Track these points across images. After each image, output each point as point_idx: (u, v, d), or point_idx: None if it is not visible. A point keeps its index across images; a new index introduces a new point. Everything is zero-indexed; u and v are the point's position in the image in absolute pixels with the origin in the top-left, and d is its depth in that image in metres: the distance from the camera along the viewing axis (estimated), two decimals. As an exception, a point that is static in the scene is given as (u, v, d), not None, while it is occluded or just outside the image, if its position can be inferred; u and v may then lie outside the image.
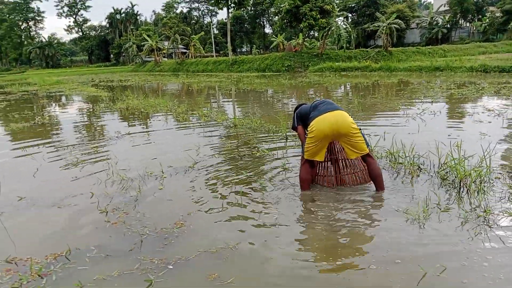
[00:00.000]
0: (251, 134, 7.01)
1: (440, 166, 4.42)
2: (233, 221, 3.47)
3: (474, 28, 53.18)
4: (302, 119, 4.15)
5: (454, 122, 7.30)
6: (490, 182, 3.92)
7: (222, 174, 4.81)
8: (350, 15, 55.92)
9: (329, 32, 27.47)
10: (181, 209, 3.77)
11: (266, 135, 6.90)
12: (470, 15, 52.84)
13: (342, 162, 4.24)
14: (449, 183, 4.02)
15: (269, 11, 67.34)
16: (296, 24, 27.91)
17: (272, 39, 50.76)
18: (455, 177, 4.07)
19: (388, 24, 28.29)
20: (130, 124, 9.22)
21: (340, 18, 31.04)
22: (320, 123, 3.75)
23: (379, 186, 3.91)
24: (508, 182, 3.93)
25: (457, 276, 2.49)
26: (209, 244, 3.05)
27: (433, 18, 50.52)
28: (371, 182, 4.07)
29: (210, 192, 4.22)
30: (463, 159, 4.21)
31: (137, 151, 6.24)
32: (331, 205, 3.68)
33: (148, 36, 47.32)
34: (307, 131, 3.90)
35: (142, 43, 48.76)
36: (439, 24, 49.95)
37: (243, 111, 10.27)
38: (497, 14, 47.76)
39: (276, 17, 55.73)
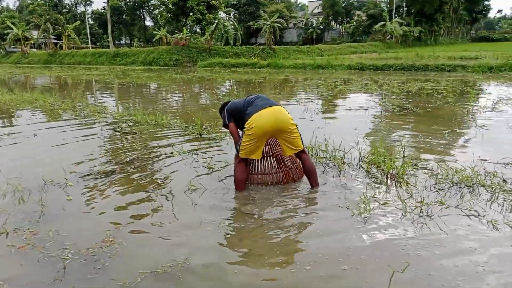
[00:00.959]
0: (159, 131, 6.50)
1: (361, 159, 4.55)
2: (172, 232, 3.06)
3: (344, 30, 58.28)
4: (234, 115, 3.87)
5: (360, 116, 7.71)
6: (410, 173, 4.12)
7: (142, 176, 4.31)
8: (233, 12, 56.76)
9: (216, 28, 27.37)
10: (105, 223, 3.21)
11: (178, 131, 6.45)
12: (340, 18, 57.70)
13: (273, 159, 4.07)
14: (374, 175, 4.13)
15: (149, 3, 64.91)
16: (183, 17, 27.24)
17: (154, 32, 49.02)
18: (380, 169, 4.22)
19: (271, 22, 29.27)
20: (6, 123, 7.90)
21: (225, 14, 31.24)
22: (259, 120, 3.52)
23: (314, 182, 3.84)
24: (426, 171, 4.16)
25: (423, 269, 2.48)
26: (153, 263, 2.61)
27: (308, 19, 53.91)
28: (302, 179, 4.01)
29: (136, 198, 3.71)
30: (384, 153, 4.39)
31: (28, 155, 5.29)
32: (273, 206, 3.48)
33: (13, 24, 41.89)
34: (244, 128, 3.63)
35: (5, 32, 42.94)
36: (313, 25, 53.48)
37: (143, 106, 9.55)
38: (363, 18, 52.99)
39: (157, 10, 54.11)
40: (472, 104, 7.89)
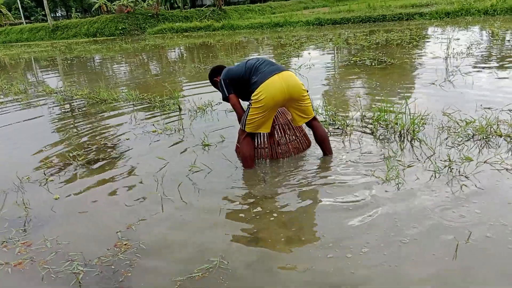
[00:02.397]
0: (130, 108, 5.94)
1: (363, 119, 4.29)
2: (193, 226, 2.68)
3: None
4: (234, 85, 3.42)
5: (335, 73, 7.42)
6: (420, 129, 3.90)
7: (129, 160, 3.86)
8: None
9: (162, -9, 25.81)
10: (109, 223, 2.79)
11: (153, 107, 5.92)
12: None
13: (280, 129, 3.70)
14: (384, 136, 3.89)
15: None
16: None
17: (92, 0, 45.82)
18: (389, 128, 3.99)
19: (220, -19, 28.03)
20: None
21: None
22: (269, 89, 3.11)
23: (328, 150, 3.53)
24: (434, 125, 3.96)
25: (482, 233, 2.27)
26: (185, 267, 2.24)
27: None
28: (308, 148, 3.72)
29: (133, 189, 3.28)
30: (388, 110, 4.14)
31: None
32: (290, 183, 3.16)
33: None
34: (251, 99, 3.22)
35: None
36: (260, -18, 51.92)
37: (106, 82, 8.78)
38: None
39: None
40: (448, 53, 7.80)
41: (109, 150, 4.27)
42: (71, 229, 2.76)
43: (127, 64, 12.09)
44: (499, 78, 5.71)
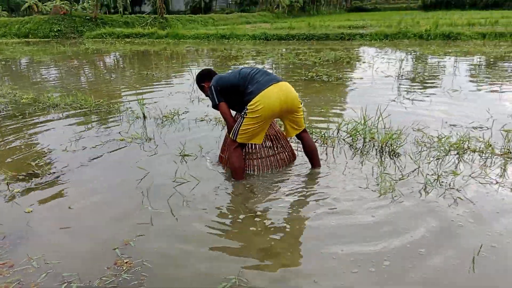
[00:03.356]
0: (94, 114, 5.56)
1: (338, 131, 4.37)
2: (193, 241, 2.51)
3: (231, -1, 57.68)
4: (225, 93, 3.29)
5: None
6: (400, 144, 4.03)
7: (116, 172, 3.58)
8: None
9: (102, -6, 24.80)
10: (104, 239, 2.53)
11: (114, 114, 5.58)
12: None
13: (268, 140, 3.63)
14: (363, 150, 3.97)
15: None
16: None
17: (20, 0, 42.88)
18: (368, 141, 4.08)
19: (162, -11, 27.50)
20: None
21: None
22: (267, 99, 3.04)
23: (317, 162, 3.53)
24: (410, 142, 4.11)
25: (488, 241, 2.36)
26: (201, 284, 2.08)
27: (195, -13, 52.13)
28: (292, 161, 3.69)
29: (122, 201, 3.04)
30: (365, 122, 4.24)
31: None
32: (282, 197, 3.09)
33: None
34: (247, 109, 3.11)
35: None
36: (201, -6, 51.91)
37: (54, 86, 8.13)
38: (249, -13, 52.92)
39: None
40: (400, 72, 8.22)
41: (76, 158, 3.93)
42: (57, 246, 2.47)
43: (70, 68, 11.37)
44: (450, 98, 6.09)
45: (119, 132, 4.73)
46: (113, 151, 4.11)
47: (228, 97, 3.30)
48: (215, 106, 3.33)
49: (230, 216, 2.80)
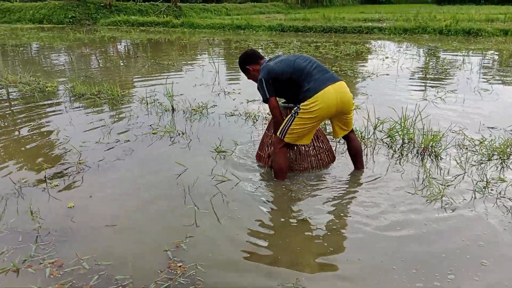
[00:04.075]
0: (118, 105, 5.50)
1: (374, 131, 4.26)
2: (242, 240, 2.45)
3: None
4: (275, 85, 3.08)
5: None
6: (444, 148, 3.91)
7: (153, 167, 3.52)
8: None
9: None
10: (152, 240, 2.48)
11: (143, 109, 5.52)
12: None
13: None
14: (403, 151, 3.88)
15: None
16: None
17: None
18: (408, 143, 3.99)
19: (177, -23, 27.31)
20: None
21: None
22: (326, 99, 2.90)
23: (360, 164, 3.44)
24: (450, 144, 4.00)
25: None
26: (262, 292, 2.02)
27: (208, -24, 51.70)
28: (332, 163, 3.59)
29: (165, 199, 2.98)
30: (406, 123, 4.13)
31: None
32: (329, 199, 3.02)
33: None
34: (299, 108, 2.97)
35: None
36: (214, -18, 51.49)
37: (86, 75, 8.08)
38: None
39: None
40: (427, 69, 8.06)
41: (111, 151, 3.88)
42: (104, 245, 2.42)
43: (92, 56, 11.32)
44: (482, 98, 5.94)
45: (151, 125, 4.68)
46: (148, 145, 4.05)
47: (278, 88, 3.12)
48: (266, 101, 3.14)
49: (278, 219, 2.73)
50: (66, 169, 3.49)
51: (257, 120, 4.86)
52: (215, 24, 19.51)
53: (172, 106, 5.33)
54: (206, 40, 15.60)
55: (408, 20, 18.05)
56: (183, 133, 4.40)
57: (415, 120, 4.18)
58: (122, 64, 9.95)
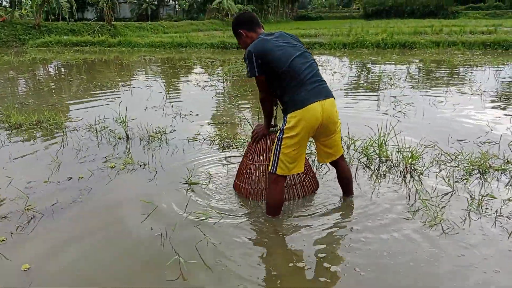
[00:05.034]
0: (62, 134, 4.91)
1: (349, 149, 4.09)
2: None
3: (179, 6, 56.71)
4: (265, 68, 2.64)
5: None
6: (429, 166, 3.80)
7: (119, 208, 3.06)
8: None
9: (46, 1, 23.18)
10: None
11: (91, 137, 4.97)
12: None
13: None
14: (383, 171, 3.73)
15: None
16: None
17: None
18: (383, 162, 3.84)
19: (110, -5, 26.43)
20: None
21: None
22: (309, 116, 2.59)
23: (350, 191, 3.20)
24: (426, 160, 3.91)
25: None
26: None
27: (141, -6, 50.82)
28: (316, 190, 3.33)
29: (140, 247, 2.54)
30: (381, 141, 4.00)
31: None
32: (324, 232, 2.75)
33: None
34: (282, 131, 2.66)
35: None
36: (147, 0, 50.68)
37: (9, 102, 7.24)
38: (198, -5, 52.36)
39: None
40: (379, 84, 8.16)
41: (64, 191, 3.36)
42: None
43: (25, 80, 10.37)
44: (441, 107, 6.04)
45: (105, 157, 4.18)
46: (107, 182, 3.57)
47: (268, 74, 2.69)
48: (251, 76, 2.70)
49: (279, 263, 2.41)
50: (12, 218, 2.93)
51: (223, 145, 4.52)
52: (155, 43, 18.95)
53: (126, 133, 4.85)
54: (148, 59, 15.01)
55: (341, 34, 18.65)
56: (144, 164, 3.95)
57: (387, 137, 4.05)
58: (59, 87, 9.17)
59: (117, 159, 4.12)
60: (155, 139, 4.78)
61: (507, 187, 3.31)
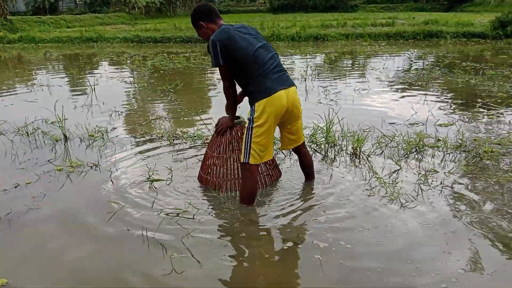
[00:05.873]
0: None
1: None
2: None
3: (79, -1, 53.27)
4: (229, 57, 2.68)
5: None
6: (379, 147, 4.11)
7: (78, 211, 2.89)
8: None
9: None
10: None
11: (25, 140, 4.57)
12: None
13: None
14: (331, 155, 3.98)
15: None
16: None
17: None
18: (333, 146, 4.10)
19: (1, -14, 23.94)
20: None
21: None
22: (275, 104, 2.69)
23: (312, 175, 3.38)
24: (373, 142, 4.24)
25: None
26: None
27: (36, -14, 46.80)
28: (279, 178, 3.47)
29: (127, 244, 2.46)
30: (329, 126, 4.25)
31: None
32: (302, 214, 2.90)
33: None
34: (252, 120, 2.72)
35: None
36: (44, -8, 46.86)
37: None
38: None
39: None
40: (306, 73, 8.49)
41: (15, 199, 3.10)
42: None
43: None
44: (366, 94, 6.51)
45: (48, 160, 3.90)
46: (59, 187, 3.34)
47: (228, 63, 2.73)
48: (216, 66, 2.73)
49: (269, 248, 2.49)
50: (-38, 233, 2.65)
51: (173, 140, 4.45)
52: (61, 38, 17.66)
53: (64, 134, 4.54)
54: (57, 56, 13.96)
55: (258, 28, 19.04)
56: (96, 165, 3.77)
57: (330, 123, 4.30)
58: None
59: (61, 162, 3.86)
60: (97, 138, 4.55)
61: (442, 162, 3.72)
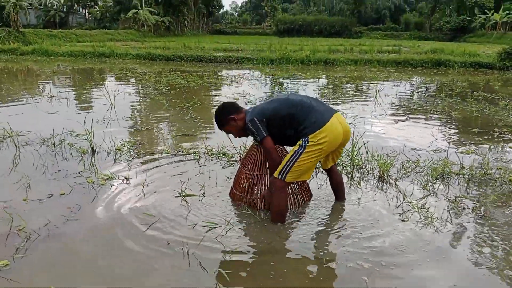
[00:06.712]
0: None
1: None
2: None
3: (89, 14, 54.12)
4: (270, 125, 2.90)
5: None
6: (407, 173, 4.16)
7: (119, 222, 2.92)
8: None
9: None
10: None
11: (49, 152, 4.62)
12: (84, 1, 53.17)
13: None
14: (360, 178, 4.02)
15: None
16: None
17: None
18: (360, 170, 4.14)
19: (17, 0, 24.48)
20: None
21: None
22: (333, 131, 2.80)
23: (343, 195, 3.43)
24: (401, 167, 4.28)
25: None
26: None
27: (48, 1, 47.63)
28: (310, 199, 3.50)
29: (165, 258, 2.48)
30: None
31: None
32: (331, 239, 2.93)
33: None
34: (307, 141, 2.77)
35: None
36: (55, 7, 47.68)
37: None
38: (110, 3, 50.42)
39: None
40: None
41: (50, 210, 3.12)
42: None
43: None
44: (383, 119, 6.59)
45: (79, 172, 3.94)
46: (92, 198, 3.38)
47: (272, 130, 2.91)
48: (262, 140, 2.91)
49: (313, 268, 2.51)
50: (4, 241, 2.67)
51: (200, 157, 4.50)
52: (74, 52, 17.91)
53: (92, 147, 4.60)
54: (71, 69, 14.14)
55: (267, 50, 19.34)
56: (127, 179, 3.81)
57: (355, 146, 4.35)
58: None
59: (90, 174, 3.91)
60: (123, 152, 4.60)
61: (469, 189, 3.76)
